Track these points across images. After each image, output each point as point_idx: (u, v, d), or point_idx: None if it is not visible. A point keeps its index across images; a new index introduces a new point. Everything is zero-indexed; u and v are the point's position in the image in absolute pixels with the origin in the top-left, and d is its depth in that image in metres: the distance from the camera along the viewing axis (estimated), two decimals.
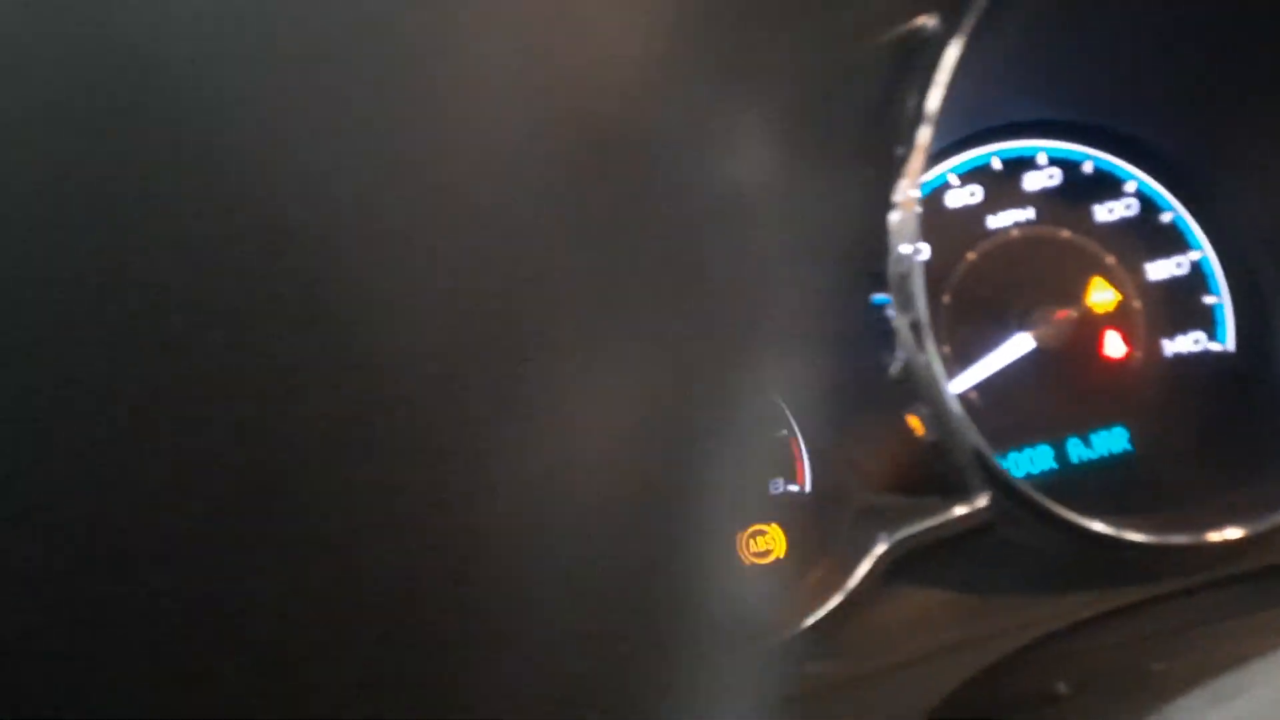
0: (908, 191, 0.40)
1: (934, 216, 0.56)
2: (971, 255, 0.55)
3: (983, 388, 0.54)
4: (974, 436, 0.40)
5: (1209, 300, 0.55)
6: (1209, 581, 0.42)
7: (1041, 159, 0.56)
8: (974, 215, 0.56)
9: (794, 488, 0.52)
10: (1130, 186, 0.56)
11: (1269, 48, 0.47)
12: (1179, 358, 0.55)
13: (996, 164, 0.56)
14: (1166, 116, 0.54)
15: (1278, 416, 0.53)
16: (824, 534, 0.46)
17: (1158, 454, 0.54)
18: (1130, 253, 0.56)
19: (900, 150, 0.39)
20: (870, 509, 0.44)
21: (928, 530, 0.40)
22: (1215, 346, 0.55)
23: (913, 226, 0.38)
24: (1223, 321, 0.55)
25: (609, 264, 0.12)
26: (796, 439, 0.52)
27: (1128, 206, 0.56)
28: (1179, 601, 0.41)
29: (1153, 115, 0.55)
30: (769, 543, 0.51)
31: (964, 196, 0.56)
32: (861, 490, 0.46)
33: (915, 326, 0.40)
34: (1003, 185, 0.56)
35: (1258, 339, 0.55)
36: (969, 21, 0.38)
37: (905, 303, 0.40)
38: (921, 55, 0.38)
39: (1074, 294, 0.55)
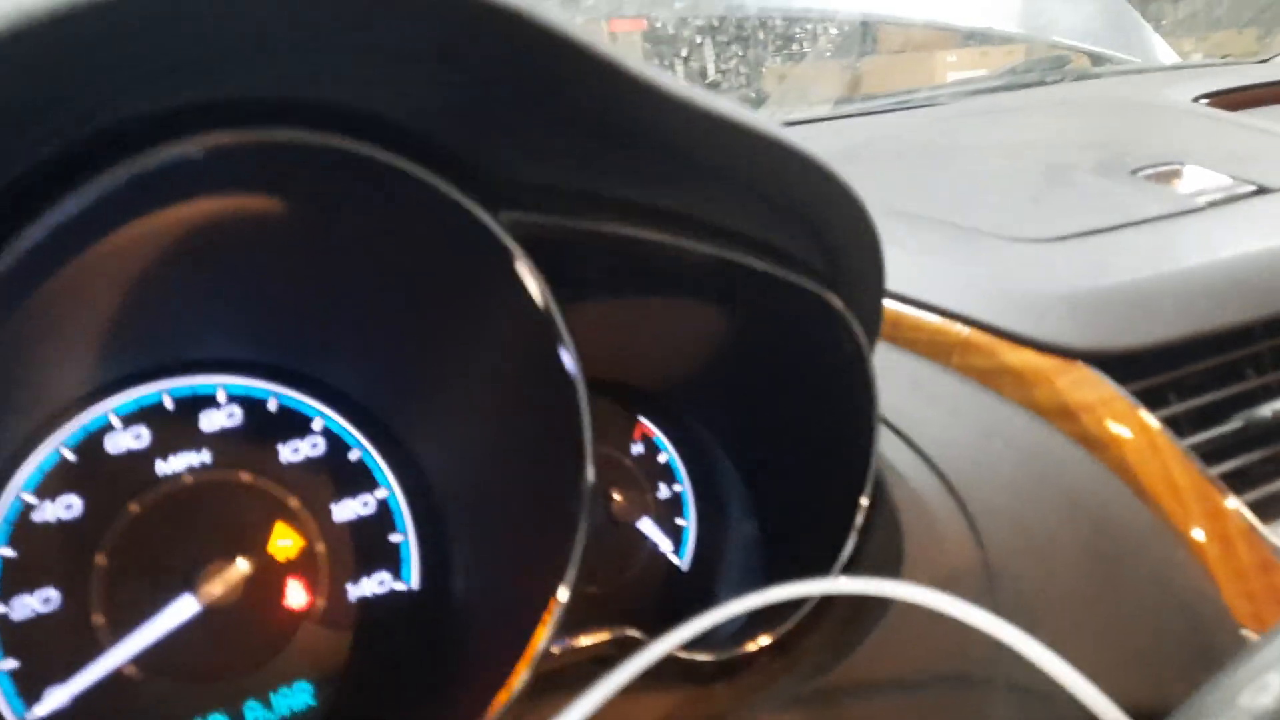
0: None
1: (90, 464, 0.49)
2: (134, 507, 0.49)
3: (144, 660, 0.48)
4: None
5: (395, 538, 0.55)
6: None
7: (221, 396, 0.53)
8: (139, 461, 0.50)
9: None
10: (317, 424, 0.55)
11: (440, 299, 0.49)
12: (364, 600, 0.54)
13: (168, 403, 0.52)
14: (349, 357, 0.54)
15: (460, 651, 0.54)
16: None
17: (345, 706, 0.52)
18: (316, 493, 0.54)
19: None
20: None
21: None
22: (400, 585, 0.55)
23: None
24: (408, 559, 0.55)
25: None
26: None
27: (314, 445, 0.55)
28: None
29: (335, 355, 0.54)
30: None
31: (127, 440, 0.50)
32: None
33: None
34: (175, 426, 0.51)
35: (441, 575, 0.56)
36: None
37: None
38: None
39: (253, 542, 0.51)
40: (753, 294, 0.54)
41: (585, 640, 0.50)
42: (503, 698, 0.43)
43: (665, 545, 0.64)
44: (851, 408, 0.55)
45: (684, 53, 2.14)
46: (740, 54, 2.16)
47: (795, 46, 2.16)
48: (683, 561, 0.65)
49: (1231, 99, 1.33)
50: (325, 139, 0.35)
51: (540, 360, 0.45)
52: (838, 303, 0.53)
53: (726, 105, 0.43)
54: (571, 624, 0.51)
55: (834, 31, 2.15)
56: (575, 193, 0.44)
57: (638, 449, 0.66)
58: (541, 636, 0.44)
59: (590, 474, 0.45)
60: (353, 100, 0.38)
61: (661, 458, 0.66)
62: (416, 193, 0.39)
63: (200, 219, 0.43)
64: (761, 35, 2.19)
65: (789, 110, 1.68)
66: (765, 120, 0.45)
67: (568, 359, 0.44)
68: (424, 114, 0.39)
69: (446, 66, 0.38)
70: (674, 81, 0.41)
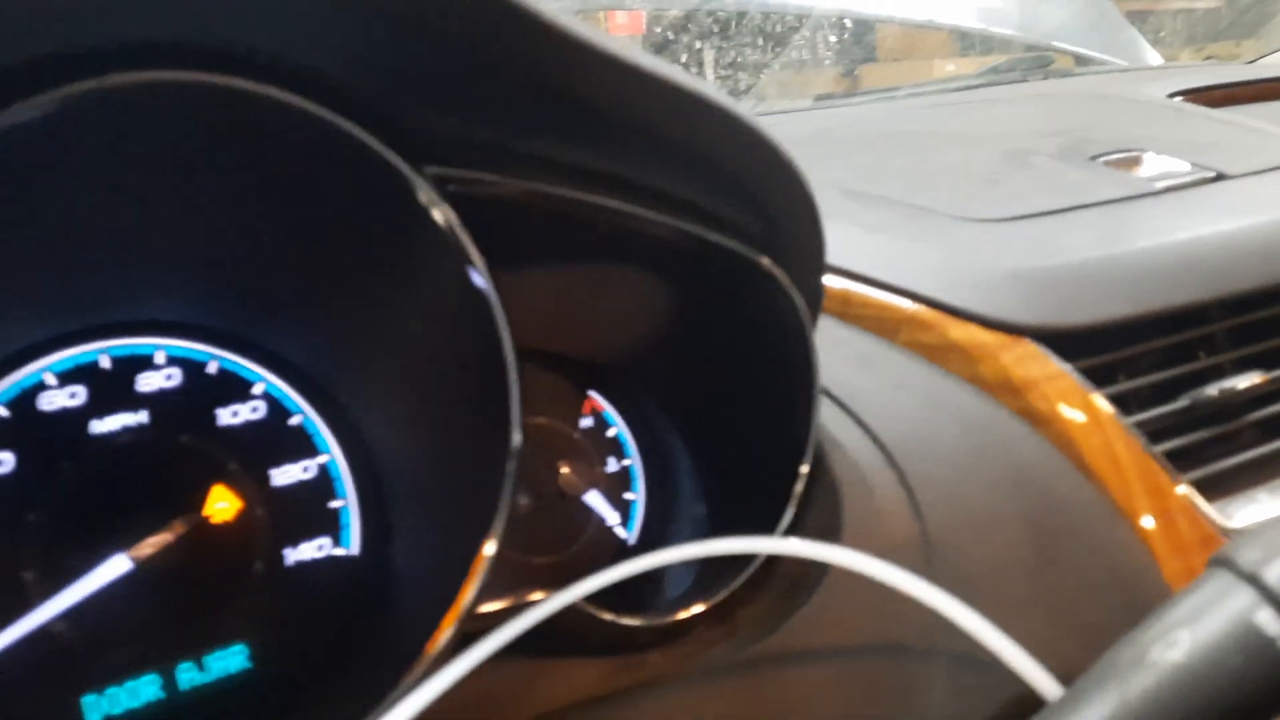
0: None
1: (24, 421, 0.49)
2: (68, 465, 0.49)
3: (74, 617, 0.48)
4: None
5: (335, 504, 0.55)
6: None
7: (160, 358, 0.53)
8: (74, 420, 0.50)
9: None
10: (258, 388, 0.55)
11: (371, 255, 0.49)
12: (302, 565, 0.54)
13: (106, 362, 0.52)
14: (287, 319, 0.54)
15: (394, 613, 0.54)
16: None
17: (279, 669, 0.52)
18: (256, 457, 0.54)
19: None
20: None
21: None
22: (339, 551, 0.55)
23: None
24: (348, 525, 0.55)
25: None
26: None
27: (254, 409, 0.55)
28: None
29: (274, 318, 0.54)
30: None
31: (62, 399, 0.50)
32: None
33: None
34: (112, 386, 0.51)
35: (380, 541, 0.56)
36: None
37: None
38: None
39: (190, 504, 0.51)
40: (696, 264, 0.54)
41: (514, 601, 0.50)
42: (427, 655, 0.43)
43: (613, 518, 0.64)
44: (792, 378, 0.55)
45: (683, 57, 2.15)
46: (739, 59, 2.16)
47: (794, 53, 2.17)
48: (630, 535, 0.65)
49: (1209, 96, 1.33)
50: (222, 80, 0.35)
51: (460, 297, 0.44)
52: (779, 273, 0.53)
53: (658, 64, 0.43)
54: (512, 591, 0.52)
55: (833, 39, 2.16)
56: (507, 150, 0.45)
57: (587, 423, 0.66)
58: (466, 595, 0.44)
59: (517, 431, 0.45)
60: (274, 48, 0.38)
61: (611, 432, 0.66)
62: (338, 144, 0.39)
63: (128, 172, 0.43)
64: (761, 40, 2.20)
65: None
66: (699, 82, 0.45)
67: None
68: (344, 64, 0.39)
69: (367, 16, 0.38)
70: (603, 37, 0.41)
